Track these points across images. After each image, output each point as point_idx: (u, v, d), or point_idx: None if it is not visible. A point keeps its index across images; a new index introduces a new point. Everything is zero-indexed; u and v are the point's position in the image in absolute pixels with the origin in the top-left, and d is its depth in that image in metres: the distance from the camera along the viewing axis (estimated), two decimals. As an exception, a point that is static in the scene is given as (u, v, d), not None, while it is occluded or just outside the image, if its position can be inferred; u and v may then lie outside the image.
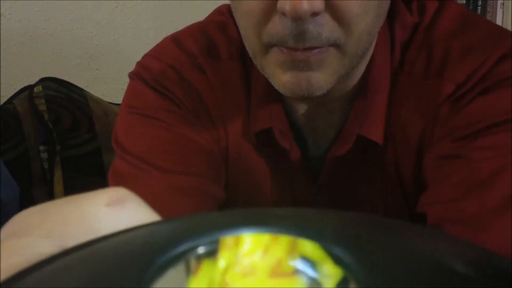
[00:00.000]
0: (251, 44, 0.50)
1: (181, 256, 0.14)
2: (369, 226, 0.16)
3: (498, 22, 1.41)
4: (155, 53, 0.61)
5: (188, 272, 0.14)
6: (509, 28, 1.39)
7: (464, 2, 1.43)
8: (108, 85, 1.45)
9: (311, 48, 0.46)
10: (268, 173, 0.61)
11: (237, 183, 0.61)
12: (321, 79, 0.47)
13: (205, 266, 0.14)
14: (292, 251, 0.14)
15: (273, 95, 0.56)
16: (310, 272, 0.14)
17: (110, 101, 1.30)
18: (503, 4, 1.41)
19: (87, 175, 1.18)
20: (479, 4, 1.42)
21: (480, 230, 0.46)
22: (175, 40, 0.61)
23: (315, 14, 0.44)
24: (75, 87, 1.24)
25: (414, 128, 0.54)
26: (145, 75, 0.59)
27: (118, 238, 0.16)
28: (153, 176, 0.55)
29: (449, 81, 0.52)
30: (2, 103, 1.19)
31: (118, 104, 1.29)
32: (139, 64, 0.61)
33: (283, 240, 0.14)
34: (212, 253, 0.14)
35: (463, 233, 0.47)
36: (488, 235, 0.46)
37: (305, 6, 0.42)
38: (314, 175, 0.60)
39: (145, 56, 0.62)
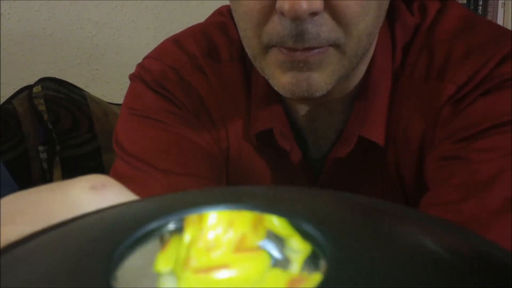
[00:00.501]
0: (250, 45, 0.49)
1: (151, 233, 0.14)
2: (349, 206, 0.16)
3: (499, 21, 1.41)
4: (156, 54, 0.61)
5: (157, 248, 0.14)
6: (510, 28, 1.39)
7: (465, 1, 1.43)
8: (108, 85, 1.44)
9: (310, 48, 0.46)
10: (268, 174, 0.61)
11: (238, 184, 0.61)
12: (320, 80, 0.47)
13: (172, 242, 0.14)
14: (260, 227, 0.14)
15: (273, 96, 0.55)
16: (277, 247, 0.14)
17: (109, 101, 1.30)
18: (504, 3, 1.41)
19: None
20: (480, 4, 1.42)
21: (480, 232, 0.46)
22: (176, 41, 0.61)
23: (314, 14, 0.44)
24: (74, 87, 1.24)
25: (415, 130, 0.54)
26: (146, 76, 0.59)
27: (91, 217, 0.16)
28: (153, 177, 0.55)
29: (450, 82, 0.51)
30: (1, 103, 1.19)
31: (118, 104, 1.29)
32: (139, 65, 0.61)
33: (250, 216, 0.14)
34: (179, 230, 0.14)
35: None
36: (488, 237, 0.46)
37: (304, 5, 0.42)
38: (314, 176, 0.60)
39: (146, 57, 0.62)
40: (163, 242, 0.14)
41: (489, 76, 0.50)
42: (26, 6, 1.36)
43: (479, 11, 1.42)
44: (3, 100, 1.20)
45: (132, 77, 0.61)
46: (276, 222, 0.14)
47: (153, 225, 0.14)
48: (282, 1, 0.43)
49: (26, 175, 1.14)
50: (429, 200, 0.51)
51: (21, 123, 1.14)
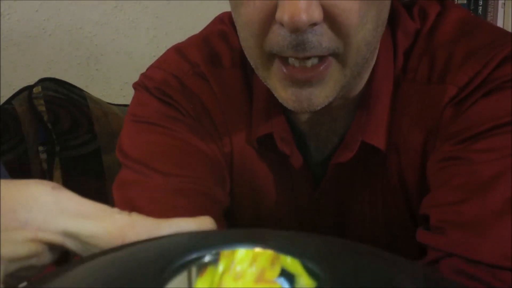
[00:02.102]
0: (253, 55, 0.50)
1: (193, 262, 0.18)
2: (348, 251, 0.20)
3: (499, 22, 1.41)
4: (158, 63, 0.62)
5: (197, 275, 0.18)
6: (510, 28, 1.39)
7: (465, 2, 1.43)
8: (108, 85, 1.44)
9: (312, 57, 0.46)
10: (271, 179, 0.61)
11: (242, 188, 0.62)
12: (322, 95, 0.48)
13: (209, 270, 0.18)
14: (276, 264, 0.18)
15: (274, 102, 0.56)
16: (288, 281, 0.18)
17: (109, 101, 1.30)
18: (504, 4, 1.41)
19: (87, 176, 1.18)
20: (480, 4, 1.42)
21: (480, 233, 0.46)
22: (178, 50, 0.62)
23: (313, 24, 0.44)
24: (74, 87, 1.24)
25: (417, 135, 0.54)
26: (148, 84, 0.60)
27: (141, 245, 0.21)
28: (154, 179, 0.55)
29: (451, 84, 0.52)
30: (1, 103, 1.19)
31: (118, 105, 1.29)
32: (143, 75, 0.62)
33: (270, 255, 0.18)
34: (215, 262, 0.19)
35: (463, 236, 0.47)
36: (487, 238, 0.46)
37: (304, 17, 0.42)
38: (316, 181, 0.60)
39: (149, 67, 0.63)
40: (201, 270, 0.18)
41: (490, 77, 0.50)
42: (26, 6, 1.36)
43: (479, 11, 1.42)
44: (3, 100, 1.20)
45: (135, 86, 0.62)
46: (290, 262, 0.18)
47: (195, 255, 0.18)
48: (282, 12, 0.43)
49: (26, 176, 1.13)
50: (430, 201, 0.51)
51: (21, 124, 1.14)
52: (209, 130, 0.59)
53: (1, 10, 1.34)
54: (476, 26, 0.54)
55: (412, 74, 0.54)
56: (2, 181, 0.24)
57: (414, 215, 0.57)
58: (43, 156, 1.16)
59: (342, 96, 0.53)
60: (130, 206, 0.54)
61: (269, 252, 0.18)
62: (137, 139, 0.58)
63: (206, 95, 0.59)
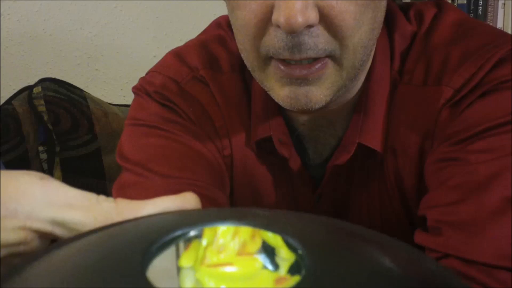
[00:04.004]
0: (249, 58, 0.50)
1: (179, 238, 0.20)
2: (330, 228, 0.21)
3: (499, 22, 1.41)
4: (158, 68, 0.62)
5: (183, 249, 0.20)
6: (510, 28, 1.39)
7: (465, 2, 1.43)
8: (108, 85, 1.44)
9: (308, 60, 0.46)
10: (270, 181, 0.61)
11: (242, 190, 0.62)
12: (319, 93, 0.48)
13: (193, 245, 0.20)
14: (257, 238, 0.19)
15: (272, 105, 0.56)
16: (269, 254, 0.19)
17: (109, 101, 1.30)
18: (504, 4, 1.41)
19: (87, 176, 1.18)
20: (480, 4, 1.42)
21: (477, 233, 0.46)
22: (177, 54, 0.62)
23: (309, 26, 0.44)
24: (74, 87, 1.24)
25: (414, 137, 0.54)
26: (148, 88, 0.60)
27: (126, 224, 0.22)
28: (153, 181, 0.56)
29: (447, 86, 0.52)
30: (1, 103, 1.19)
31: (118, 105, 1.29)
32: (142, 79, 0.62)
33: (252, 231, 0.19)
34: (199, 237, 0.20)
35: (460, 236, 0.47)
36: (484, 238, 0.46)
37: (300, 19, 0.42)
38: (314, 183, 0.61)
39: (148, 72, 0.63)
40: (186, 244, 0.20)
41: (486, 78, 0.50)
42: (26, 6, 1.36)
43: (479, 12, 1.42)
44: (3, 100, 1.20)
45: (135, 90, 0.62)
46: (271, 237, 0.19)
47: (180, 232, 0.20)
48: (278, 14, 0.43)
49: (26, 176, 1.13)
50: (427, 202, 0.51)
51: (21, 124, 1.14)
52: (209, 133, 0.59)
53: (1, 10, 1.34)
54: (472, 28, 0.54)
55: (408, 77, 0.54)
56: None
57: (412, 216, 0.57)
58: (43, 156, 1.17)
59: (339, 98, 0.53)
60: None
61: (250, 228, 0.19)
62: (137, 142, 0.59)
63: (205, 98, 0.60)
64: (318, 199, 0.60)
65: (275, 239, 0.19)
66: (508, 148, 0.47)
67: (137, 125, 0.59)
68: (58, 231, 0.26)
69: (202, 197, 0.56)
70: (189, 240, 0.20)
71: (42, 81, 1.20)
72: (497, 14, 1.41)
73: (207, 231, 0.20)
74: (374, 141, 0.54)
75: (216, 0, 1.35)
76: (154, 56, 1.43)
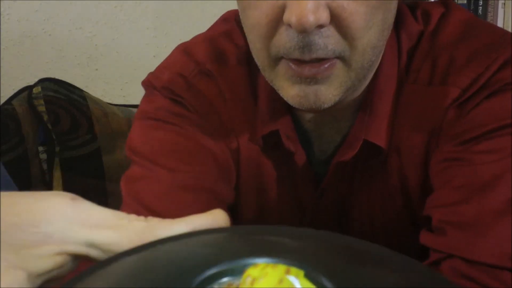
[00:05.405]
0: (260, 57, 0.51)
1: (217, 275, 0.20)
2: (351, 255, 0.22)
3: (499, 22, 1.41)
4: (165, 63, 0.63)
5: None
6: (510, 28, 1.39)
7: (465, 2, 1.43)
8: (108, 85, 1.44)
9: (318, 60, 0.46)
10: (274, 176, 0.62)
11: (247, 184, 0.63)
12: (328, 93, 0.48)
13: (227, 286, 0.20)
14: (285, 282, 0.19)
15: (279, 100, 0.56)
16: None
17: (109, 101, 1.29)
18: (504, 4, 1.41)
19: (87, 176, 1.18)
20: (480, 4, 1.42)
21: (481, 234, 0.46)
22: (184, 50, 0.63)
23: (320, 26, 0.44)
24: (74, 87, 1.24)
25: (419, 136, 0.54)
26: (156, 83, 0.61)
27: (162, 247, 0.22)
28: (160, 175, 0.57)
29: (453, 86, 0.52)
30: (1, 103, 1.19)
31: (118, 105, 1.29)
32: (150, 74, 0.63)
33: (280, 273, 0.20)
34: (233, 277, 0.20)
35: (463, 236, 0.47)
36: (488, 238, 0.46)
37: (311, 18, 0.43)
38: (318, 178, 0.61)
39: (157, 67, 0.64)
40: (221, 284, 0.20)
41: (493, 79, 0.50)
42: (26, 6, 1.36)
43: (479, 12, 1.42)
44: (2, 100, 1.20)
45: (143, 85, 0.63)
46: (300, 274, 0.20)
47: (219, 268, 0.20)
48: (290, 13, 0.44)
49: (26, 176, 1.13)
50: (432, 202, 0.51)
51: (20, 124, 1.14)
52: (216, 127, 0.60)
53: (1, 10, 1.34)
54: (479, 28, 0.55)
55: (414, 75, 0.55)
56: (20, 194, 0.24)
57: (414, 216, 0.57)
58: (43, 156, 1.16)
59: (346, 98, 0.53)
60: (137, 200, 0.56)
61: (281, 267, 0.20)
62: (145, 136, 0.60)
63: (212, 92, 0.60)
64: (320, 195, 0.61)
65: (303, 280, 0.19)
66: None
67: (146, 118, 0.60)
68: (93, 253, 0.25)
69: (207, 191, 0.57)
70: (223, 283, 0.20)
71: (42, 81, 1.20)
72: (497, 14, 1.41)
73: (244, 280, 0.20)
74: (379, 138, 0.54)
75: (216, 0, 1.35)
76: (154, 56, 1.42)
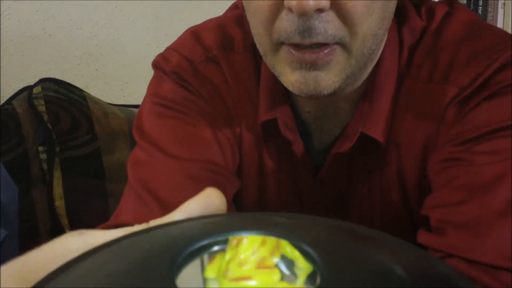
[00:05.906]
0: (261, 42, 0.51)
1: (205, 247, 0.21)
2: (343, 233, 0.22)
3: (499, 22, 1.41)
4: (175, 45, 0.64)
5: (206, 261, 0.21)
6: (510, 28, 1.39)
7: (465, 2, 1.43)
8: (108, 85, 1.44)
9: (318, 45, 0.47)
10: (274, 163, 0.63)
11: (249, 170, 0.63)
12: (328, 78, 0.49)
13: (217, 257, 0.20)
14: (276, 251, 0.20)
15: (280, 89, 0.57)
16: (287, 266, 0.20)
17: (109, 101, 1.29)
18: (504, 4, 1.41)
19: (87, 176, 1.18)
20: (480, 4, 1.42)
21: (480, 234, 0.46)
22: (194, 33, 0.64)
23: (320, 10, 0.45)
24: (74, 87, 1.24)
25: (418, 132, 0.54)
26: (164, 66, 0.62)
27: (152, 232, 0.22)
28: (164, 162, 0.57)
29: (452, 85, 0.52)
30: (1, 103, 1.19)
31: (118, 105, 1.29)
32: (160, 55, 0.64)
33: (271, 241, 0.20)
34: (222, 250, 0.21)
35: (463, 237, 0.47)
36: (488, 238, 0.46)
37: (311, 2, 0.44)
38: (316, 168, 0.62)
39: (167, 48, 0.65)
40: (211, 256, 0.21)
41: (492, 80, 0.50)
42: (26, 6, 1.36)
43: (479, 12, 1.42)
44: (3, 100, 1.20)
45: (153, 65, 0.64)
46: (289, 250, 0.20)
47: (206, 241, 0.21)
48: None
49: (26, 176, 1.13)
50: (431, 202, 0.51)
51: (20, 124, 1.14)
52: (222, 113, 0.61)
53: (1, 10, 1.34)
54: (482, 29, 0.55)
55: (415, 71, 0.55)
56: (44, 247, 0.24)
57: (411, 211, 0.58)
58: (43, 156, 1.16)
59: (346, 87, 0.53)
60: (142, 185, 0.56)
61: (270, 239, 0.20)
62: (153, 121, 0.61)
63: (218, 79, 0.61)
64: (319, 185, 0.61)
65: (292, 252, 0.20)
66: None
67: (155, 103, 0.61)
68: None
69: (211, 179, 0.57)
70: (213, 252, 0.21)
71: (42, 81, 1.20)
72: (497, 14, 1.41)
73: (231, 243, 0.21)
74: (377, 132, 0.55)
75: (216, 0, 1.35)
76: (154, 56, 1.42)
